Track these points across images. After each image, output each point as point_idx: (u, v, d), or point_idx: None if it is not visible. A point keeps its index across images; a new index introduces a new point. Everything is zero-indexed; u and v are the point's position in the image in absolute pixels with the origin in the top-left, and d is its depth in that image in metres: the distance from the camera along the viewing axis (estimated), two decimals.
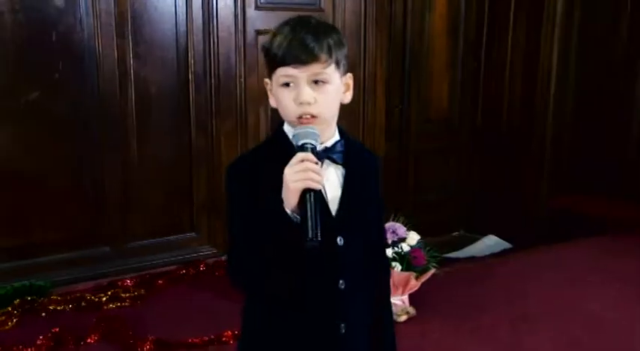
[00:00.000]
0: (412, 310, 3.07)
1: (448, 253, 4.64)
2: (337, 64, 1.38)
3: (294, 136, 1.36)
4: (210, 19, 3.60)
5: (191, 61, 3.59)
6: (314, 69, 1.34)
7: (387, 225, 3.15)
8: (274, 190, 1.32)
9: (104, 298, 3.13)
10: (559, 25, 4.57)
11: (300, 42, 1.33)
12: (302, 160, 1.29)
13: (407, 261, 3.06)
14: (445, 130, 5.07)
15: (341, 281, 1.41)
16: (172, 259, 3.62)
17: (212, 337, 2.78)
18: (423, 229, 4.33)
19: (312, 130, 1.34)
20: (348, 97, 1.46)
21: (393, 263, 3.04)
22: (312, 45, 1.33)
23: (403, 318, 3.01)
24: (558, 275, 3.61)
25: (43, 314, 3.01)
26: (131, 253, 3.54)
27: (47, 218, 3.34)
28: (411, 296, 3.11)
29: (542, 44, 4.61)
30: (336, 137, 1.45)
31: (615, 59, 4.84)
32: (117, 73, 3.40)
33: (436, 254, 3.17)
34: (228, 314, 3.06)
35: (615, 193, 4.86)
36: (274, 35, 1.37)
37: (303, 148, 1.33)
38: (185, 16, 3.54)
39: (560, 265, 3.79)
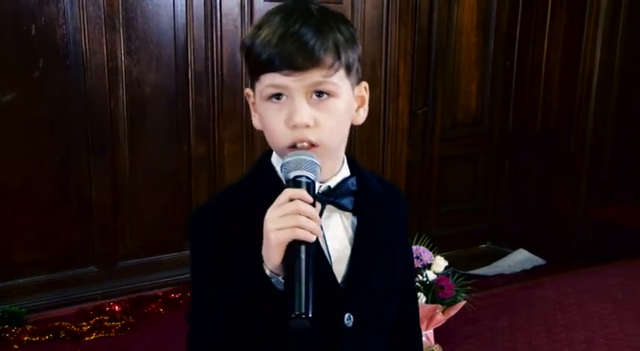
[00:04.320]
0: (438, 349, 2.67)
1: (475, 268, 4.29)
2: (348, 69, 0.98)
3: (282, 165, 0.96)
4: (213, 11, 3.21)
5: (191, 58, 3.20)
6: (315, 77, 0.94)
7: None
8: (252, 246, 0.93)
9: (86, 328, 2.77)
10: (603, 19, 4.10)
11: (296, 38, 0.93)
12: (290, 199, 0.90)
13: (432, 291, 2.66)
14: (473, 134, 4.64)
15: None
16: (168, 280, 3.24)
17: None
18: (447, 242, 4.00)
19: (309, 158, 0.95)
20: (362, 116, 1.05)
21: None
22: (312, 42, 0.93)
23: None
24: (605, 305, 3.18)
25: (16, 347, 2.65)
26: (121, 274, 3.17)
27: (26, 234, 2.97)
28: (436, 331, 2.71)
29: (584, 40, 4.14)
30: (345, 173, 1.05)
31: None
32: (106, 71, 3.02)
33: (466, 283, 2.77)
34: None
35: None
36: (259, 28, 0.97)
37: (295, 182, 0.93)
38: (184, 7, 3.16)
39: (605, 291, 3.36)
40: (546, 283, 3.56)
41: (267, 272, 0.92)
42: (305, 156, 0.95)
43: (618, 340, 2.85)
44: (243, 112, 3.34)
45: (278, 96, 0.96)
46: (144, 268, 3.22)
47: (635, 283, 3.47)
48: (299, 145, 0.96)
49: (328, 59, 0.94)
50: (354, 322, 1.00)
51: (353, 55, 0.99)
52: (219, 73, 3.26)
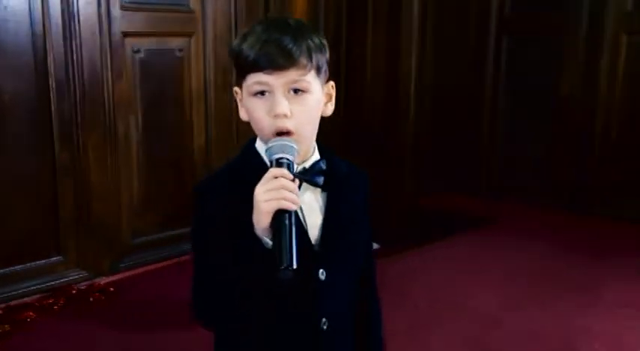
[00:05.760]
0: None
1: None
2: (318, 70, 1.24)
3: (267, 149, 1.21)
4: (71, 19, 3.24)
5: (51, 66, 3.21)
6: (292, 75, 1.20)
7: None
8: (244, 216, 1.16)
9: None
10: (416, 23, 4.67)
11: (276, 43, 1.18)
12: (275, 177, 1.15)
13: None
14: None
15: (324, 320, 1.28)
16: (37, 287, 3.24)
17: None
18: None
19: (289, 143, 1.19)
20: (330, 109, 1.32)
21: None
22: (289, 47, 1.18)
23: None
24: (437, 277, 3.71)
25: None
26: None
27: None
28: None
29: (402, 45, 4.67)
30: (316, 156, 1.31)
31: (466, 60, 5.13)
32: None
33: None
34: (113, 347, 2.79)
35: (473, 190, 5.18)
36: (245, 37, 1.22)
37: (278, 163, 1.18)
38: (41, 16, 3.15)
39: (435, 266, 3.90)
40: (384, 264, 4.01)
41: (258, 235, 1.15)
42: (286, 141, 1.19)
43: (457, 304, 3.36)
44: (105, 119, 3.42)
45: (262, 93, 1.21)
46: (12, 278, 3.18)
47: (453, 257, 4.06)
48: (279, 132, 1.20)
49: (303, 61, 1.20)
50: (326, 276, 1.27)
51: (322, 59, 1.24)
52: (81, 80, 3.30)
